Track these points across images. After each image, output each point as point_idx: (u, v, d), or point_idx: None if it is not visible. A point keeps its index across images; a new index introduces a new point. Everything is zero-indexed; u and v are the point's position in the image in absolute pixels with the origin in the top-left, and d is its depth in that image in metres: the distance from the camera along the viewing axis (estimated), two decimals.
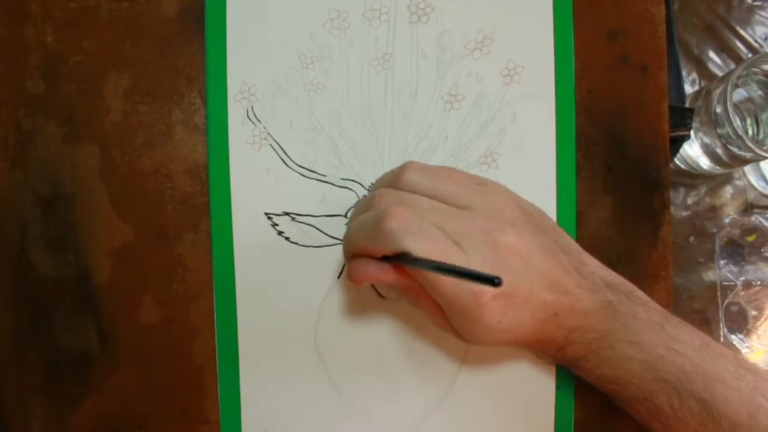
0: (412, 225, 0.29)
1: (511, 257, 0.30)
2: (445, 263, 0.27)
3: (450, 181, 0.32)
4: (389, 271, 0.31)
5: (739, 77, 0.41)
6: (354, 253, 0.32)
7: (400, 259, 0.29)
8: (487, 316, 0.30)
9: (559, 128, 0.38)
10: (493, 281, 0.24)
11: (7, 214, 0.37)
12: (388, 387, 0.37)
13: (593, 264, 0.33)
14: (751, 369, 0.31)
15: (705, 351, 0.31)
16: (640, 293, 0.33)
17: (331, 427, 0.37)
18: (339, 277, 0.37)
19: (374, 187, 0.36)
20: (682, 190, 0.49)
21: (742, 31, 0.49)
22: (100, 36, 0.37)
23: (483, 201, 0.31)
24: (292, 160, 0.37)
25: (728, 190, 0.49)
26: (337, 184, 0.37)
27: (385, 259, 0.30)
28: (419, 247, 0.28)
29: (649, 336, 0.31)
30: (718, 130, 0.42)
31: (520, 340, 0.33)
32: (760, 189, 0.49)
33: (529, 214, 0.33)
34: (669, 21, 0.39)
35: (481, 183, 0.32)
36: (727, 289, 0.48)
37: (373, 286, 0.37)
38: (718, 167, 0.46)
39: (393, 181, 0.33)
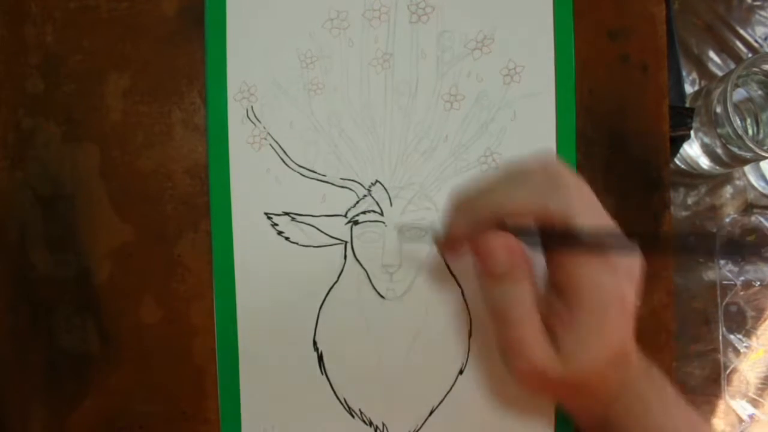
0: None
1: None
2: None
3: None
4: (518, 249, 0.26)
5: (739, 77, 0.41)
6: (479, 220, 0.27)
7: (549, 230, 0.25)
8: (621, 327, 0.26)
9: (559, 128, 0.38)
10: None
11: (7, 214, 0.37)
12: (388, 387, 0.37)
13: None
14: None
15: None
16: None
17: (330, 427, 0.37)
18: (339, 277, 0.37)
19: None
20: (682, 190, 0.48)
21: (742, 31, 0.49)
22: (100, 36, 0.37)
23: None
24: (292, 160, 0.37)
25: (728, 190, 0.49)
26: (337, 184, 0.37)
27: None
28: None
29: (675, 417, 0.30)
30: (718, 130, 0.42)
31: (595, 374, 0.28)
32: (760, 189, 0.49)
33: None
34: (669, 21, 0.39)
35: None
36: (726, 289, 0.48)
37: (373, 286, 0.37)
38: (718, 167, 0.46)
39: None
